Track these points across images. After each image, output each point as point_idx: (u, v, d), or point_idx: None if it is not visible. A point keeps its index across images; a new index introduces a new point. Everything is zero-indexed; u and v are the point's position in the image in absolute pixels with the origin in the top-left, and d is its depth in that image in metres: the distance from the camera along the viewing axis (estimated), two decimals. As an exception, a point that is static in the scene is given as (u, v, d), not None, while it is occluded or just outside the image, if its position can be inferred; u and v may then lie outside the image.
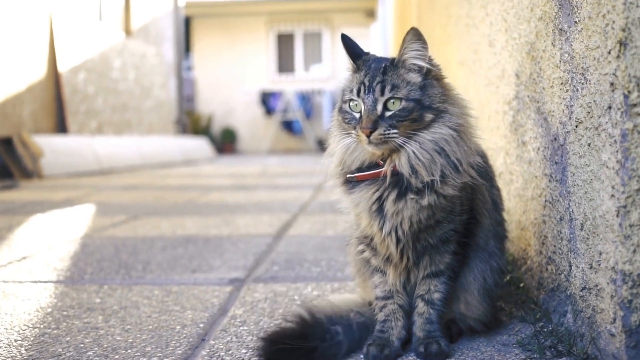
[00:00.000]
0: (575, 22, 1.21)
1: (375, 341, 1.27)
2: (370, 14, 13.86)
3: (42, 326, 1.50)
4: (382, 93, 1.18)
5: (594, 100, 1.13)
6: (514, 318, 1.48)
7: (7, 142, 6.38)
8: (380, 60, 1.24)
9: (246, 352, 1.30)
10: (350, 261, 1.47)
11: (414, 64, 1.20)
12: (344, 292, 1.73)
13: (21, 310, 1.65)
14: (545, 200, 1.46)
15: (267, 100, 14.05)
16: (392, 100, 1.18)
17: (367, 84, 1.19)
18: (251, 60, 14.56)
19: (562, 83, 1.31)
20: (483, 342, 1.33)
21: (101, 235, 2.86)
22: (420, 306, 1.30)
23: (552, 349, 1.26)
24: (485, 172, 1.33)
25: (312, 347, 1.22)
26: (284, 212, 3.57)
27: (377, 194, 1.22)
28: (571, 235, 1.28)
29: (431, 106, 1.18)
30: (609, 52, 1.05)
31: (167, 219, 3.36)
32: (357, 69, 1.25)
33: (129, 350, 1.32)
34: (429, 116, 1.18)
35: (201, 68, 14.68)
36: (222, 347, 1.34)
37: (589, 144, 1.16)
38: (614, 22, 1.04)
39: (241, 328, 1.47)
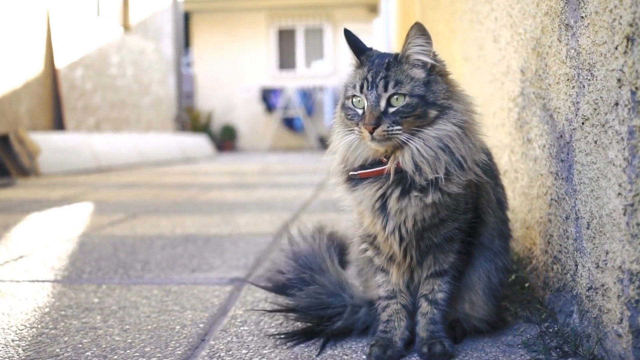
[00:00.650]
0: (582, 17, 1.19)
1: (378, 341, 1.26)
2: (373, 9, 13.80)
3: (39, 326, 1.49)
4: (386, 89, 1.17)
5: (600, 97, 1.11)
6: (519, 318, 1.47)
7: (4, 140, 6.35)
8: (383, 55, 1.23)
9: (247, 353, 1.28)
10: (352, 260, 1.46)
11: (418, 60, 1.19)
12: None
13: (18, 310, 1.63)
14: (551, 199, 1.45)
15: (268, 97, 14.00)
16: (395, 97, 1.16)
17: (370, 79, 1.18)
18: (251, 56, 14.50)
19: (568, 79, 1.29)
20: (488, 343, 1.32)
21: (99, 234, 2.84)
22: (424, 306, 1.28)
23: (558, 350, 1.25)
24: (490, 170, 1.32)
25: None
26: (285, 210, 3.55)
27: (380, 192, 1.21)
28: (577, 234, 1.27)
29: (435, 102, 1.17)
30: (616, 48, 1.04)
31: (166, 218, 3.34)
32: (360, 65, 1.24)
33: (128, 351, 1.31)
34: (433, 112, 1.17)
35: (201, 64, 14.62)
36: (222, 347, 1.32)
37: (596, 141, 1.14)
38: (621, 17, 1.02)
39: (242, 328, 1.45)
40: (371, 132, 1.15)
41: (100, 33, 8.70)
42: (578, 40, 1.22)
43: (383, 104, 1.16)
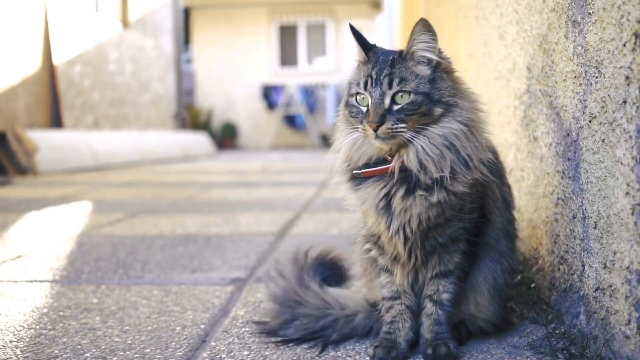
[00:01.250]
0: (589, 13, 1.18)
1: (382, 343, 1.24)
2: (376, 5, 13.73)
3: (38, 327, 1.47)
4: (390, 86, 1.15)
5: (608, 95, 1.10)
6: (525, 319, 1.45)
7: (1, 137, 6.32)
8: (388, 52, 1.21)
9: (248, 354, 1.27)
10: (356, 260, 1.44)
11: (423, 57, 1.18)
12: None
13: (16, 310, 1.62)
14: (558, 198, 1.43)
15: (269, 94, 13.94)
16: (400, 94, 1.15)
17: (374, 76, 1.17)
18: (252, 52, 14.45)
19: (575, 77, 1.28)
20: (493, 344, 1.31)
21: (98, 233, 2.83)
22: (429, 307, 1.27)
23: (565, 352, 1.23)
24: (496, 168, 1.30)
25: None
26: (286, 210, 3.53)
27: (384, 191, 1.19)
28: (584, 234, 1.25)
29: (441, 100, 1.16)
30: (624, 45, 1.03)
31: (166, 217, 3.32)
32: (365, 61, 1.22)
33: (128, 352, 1.29)
34: (438, 110, 1.15)
35: (201, 61, 14.56)
36: (223, 348, 1.31)
37: (603, 140, 1.13)
38: (629, 13, 1.01)
39: (243, 329, 1.44)
40: (375, 130, 1.13)
41: (99, 29, 8.66)
42: (585, 37, 1.21)
43: (387, 101, 1.15)
